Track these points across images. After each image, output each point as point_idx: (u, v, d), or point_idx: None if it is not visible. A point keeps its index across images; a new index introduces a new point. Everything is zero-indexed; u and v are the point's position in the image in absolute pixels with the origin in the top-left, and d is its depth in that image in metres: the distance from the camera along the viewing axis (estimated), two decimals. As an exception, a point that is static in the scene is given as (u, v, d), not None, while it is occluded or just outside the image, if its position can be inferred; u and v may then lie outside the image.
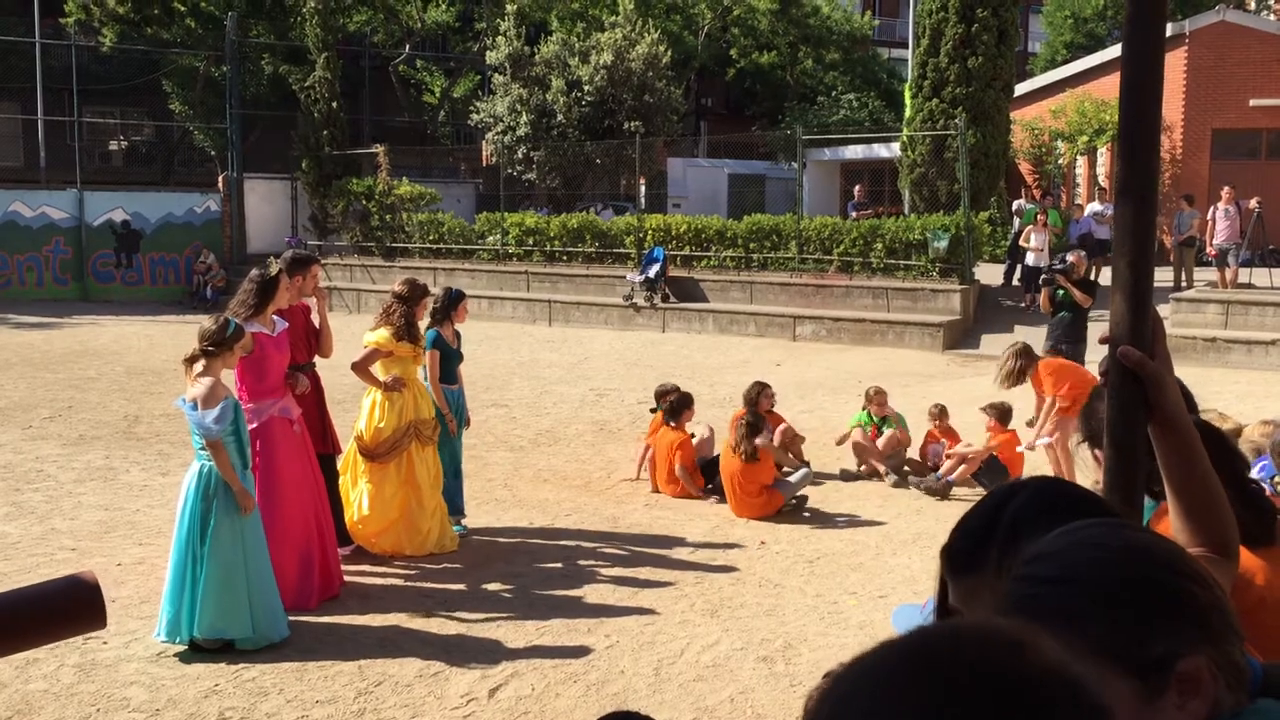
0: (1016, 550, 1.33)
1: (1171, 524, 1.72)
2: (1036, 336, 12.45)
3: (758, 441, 8.76)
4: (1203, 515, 1.68)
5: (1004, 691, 0.84)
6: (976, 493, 9.22)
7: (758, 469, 8.70)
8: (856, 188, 25.18)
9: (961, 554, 1.41)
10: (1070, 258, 11.66)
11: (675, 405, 9.49)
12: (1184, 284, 18.84)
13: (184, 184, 32.47)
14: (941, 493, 9.19)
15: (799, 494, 8.90)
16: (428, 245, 25.69)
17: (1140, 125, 1.63)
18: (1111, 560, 1.13)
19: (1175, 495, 1.70)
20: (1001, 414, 9.50)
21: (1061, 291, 11.11)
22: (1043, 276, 11.71)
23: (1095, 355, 15.98)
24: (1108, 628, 1.09)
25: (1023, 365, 8.90)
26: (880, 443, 9.88)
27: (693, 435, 9.52)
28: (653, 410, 10.21)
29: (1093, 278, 19.94)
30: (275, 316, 6.71)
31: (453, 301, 8.15)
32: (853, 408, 12.25)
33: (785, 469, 9.47)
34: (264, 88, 33.05)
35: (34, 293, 25.95)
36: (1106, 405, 1.68)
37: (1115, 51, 27.03)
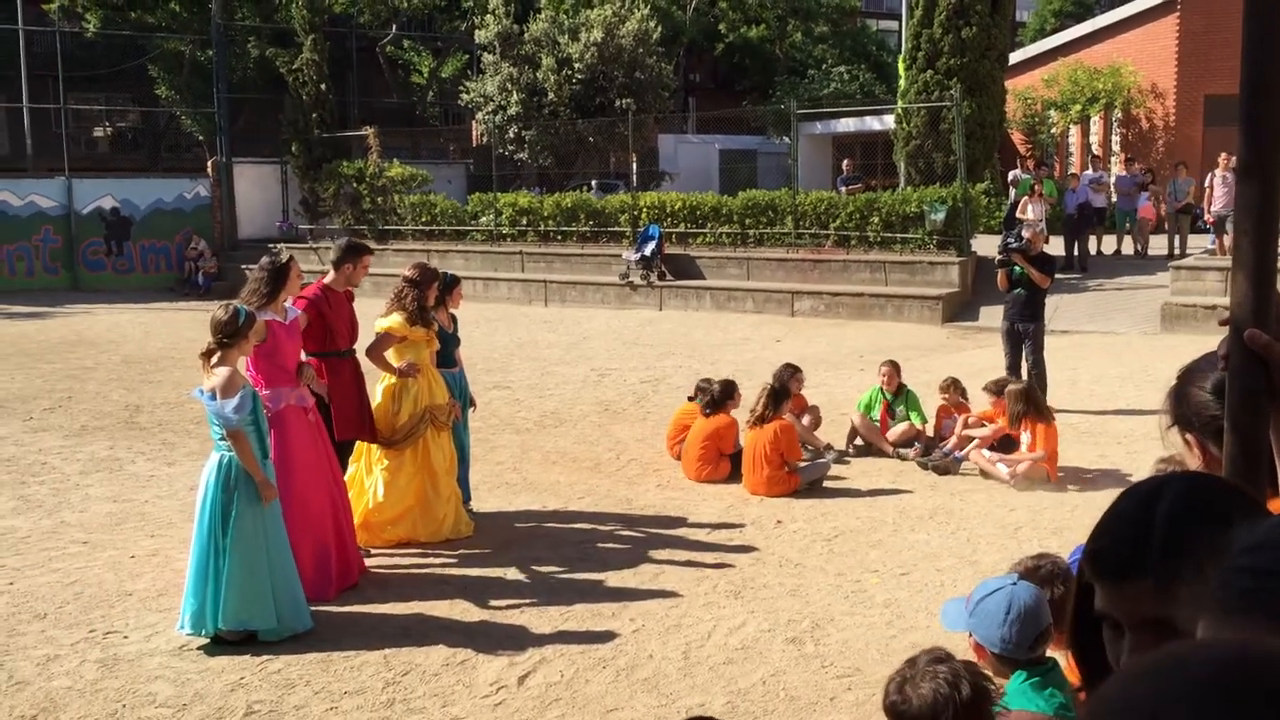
0: (1177, 551, 1.26)
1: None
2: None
3: (786, 418, 8.69)
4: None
5: None
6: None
7: (784, 443, 8.62)
8: (845, 162, 24.74)
9: (1115, 559, 1.34)
10: (1026, 234, 11.57)
11: (717, 397, 9.24)
12: (1179, 251, 18.85)
13: (172, 170, 32.25)
14: (949, 470, 9.15)
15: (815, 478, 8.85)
16: (420, 227, 25.56)
17: (1263, 98, 1.57)
18: None
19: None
20: (1002, 390, 9.51)
21: (1018, 269, 11.02)
22: (999, 256, 11.58)
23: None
24: None
25: (1020, 410, 9.01)
26: (891, 434, 9.81)
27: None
28: (690, 398, 10.08)
29: (1092, 248, 20.02)
30: (287, 304, 6.64)
31: (447, 286, 8.10)
32: (856, 383, 12.23)
33: (809, 447, 9.44)
34: (251, 71, 32.75)
35: (24, 282, 25.78)
36: (1228, 390, 1.62)
37: (1106, 19, 26.95)
